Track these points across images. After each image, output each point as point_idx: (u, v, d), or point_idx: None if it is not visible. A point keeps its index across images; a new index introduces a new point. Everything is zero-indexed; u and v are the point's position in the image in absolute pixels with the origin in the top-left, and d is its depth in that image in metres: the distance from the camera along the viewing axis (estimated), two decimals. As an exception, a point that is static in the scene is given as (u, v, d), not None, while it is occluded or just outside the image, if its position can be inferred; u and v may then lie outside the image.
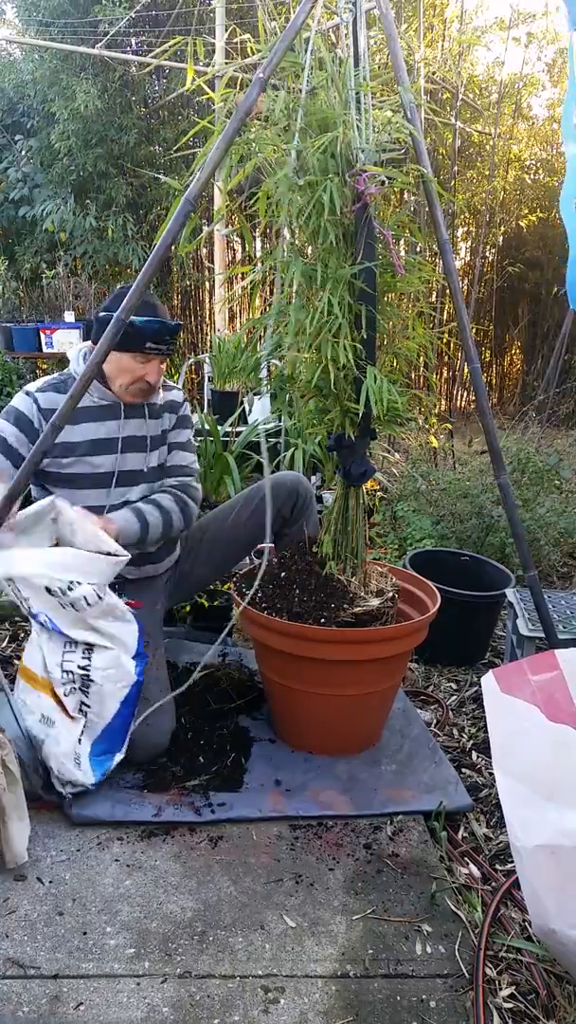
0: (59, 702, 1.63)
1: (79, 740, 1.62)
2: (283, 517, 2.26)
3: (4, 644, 2.47)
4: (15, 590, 1.60)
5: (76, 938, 1.29)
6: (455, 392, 5.84)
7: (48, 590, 1.56)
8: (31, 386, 1.94)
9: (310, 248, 1.79)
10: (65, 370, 1.99)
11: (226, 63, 1.65)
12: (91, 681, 1.63)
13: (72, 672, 1.62)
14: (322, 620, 1.72)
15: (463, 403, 7.00)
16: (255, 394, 3.97)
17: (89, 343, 1.96)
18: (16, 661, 2.35)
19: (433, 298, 4.71)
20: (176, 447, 2.10)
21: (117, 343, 1.85)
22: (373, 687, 1.77)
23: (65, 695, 1.62)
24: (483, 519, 3.08)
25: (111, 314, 1.82)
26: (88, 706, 1.64)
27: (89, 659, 1.64)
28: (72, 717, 1.63)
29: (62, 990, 1.19)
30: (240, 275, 2.04)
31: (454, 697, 2.26)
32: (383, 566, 2.00)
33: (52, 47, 6.54)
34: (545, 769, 1.12)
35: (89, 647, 1.64)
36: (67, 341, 4.49)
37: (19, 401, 1.90)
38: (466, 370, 3.59)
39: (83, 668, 1.63)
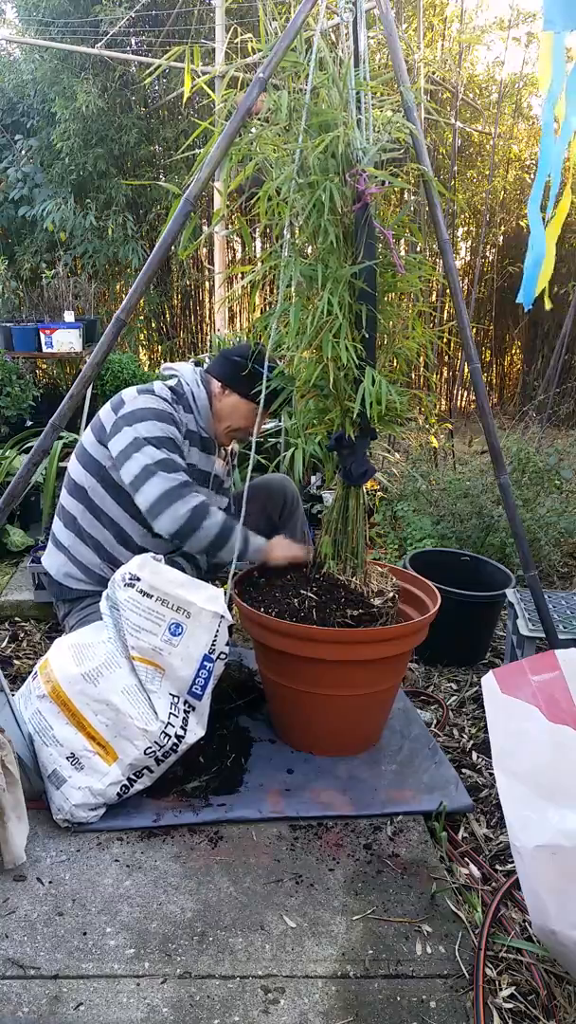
0: (99, 743, 1.54)
1: (104, 788, 1.55)
2: (272, 522, 2.26)
3: (4, 644, 2.47)
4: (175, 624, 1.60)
5: (76, 938, 1.29)
6: (455, 392, 5.84)
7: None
8: (163, 393, 1.91)
9: (310, 248, 1.79)
10: (174, 384, 1.97)
11: (226, 63, 1.65)
12: (175, 752, 1.59)
13: (170, 737, 1.56)
14: (322, 620, 1.72)
15: (463, 403, 7.00)
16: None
17: (200, 369, 2.01)
18: (16, 661, 2.35)
19: (433, 298, 4.71)
20: (224, 492, 2.20)
21: (244, 389, 1.94)
22: (373, 687, 1.77)
23: (144, 752, 1.55)
24: (483, 519, 3.07)
25: (243, 360, 1.91)
26: (151, 772, 1.59)
27: (186, 728, 1.60)
28: (109, 766, 1.55)
29: (62, 990, 1.19)
30: (240, 275, 2.04)
31: (454, 697, 2.26)
32: (383, 566, 2.00)
33: (52, 47, 6.53)
34: (545, 769, 1.12)
35: (190, 709, 1.61)
36: (67, 341, 4.48)
37: (166, 406, 1.88)
38: (466, 370, 3.59)
39: (179, 737, 1.58)
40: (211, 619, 1.60)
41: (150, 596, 1.58)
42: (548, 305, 1.84)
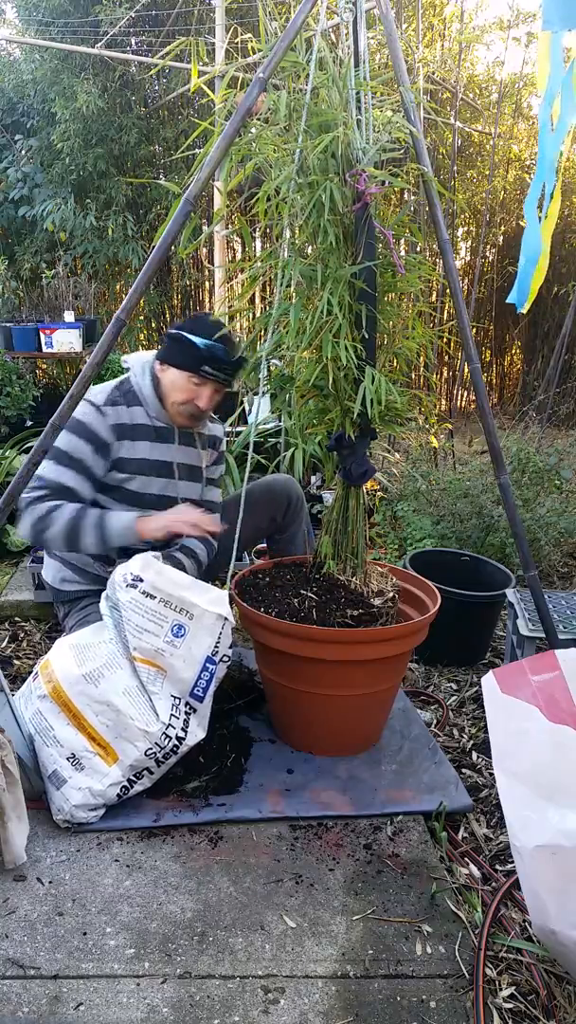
0: (100, 744, 1.54)
1: (104, 788, 1.55)
2: (275, 523, 2.26)
3: (4, 644, 2.47)
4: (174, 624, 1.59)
5: (76, 938, 1.29)
6: (455, 392, 5.84)
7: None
8: (96, 398, 1.91)
9: (310, 248, 1.79)
10: (125, 376, 1.98)
11: (227, 63, 1.65)
12: (175, 754, 1.59)
13: (171, 738, 1.56)
14: (322, 620, 1.72)
15: (463, 403, 7.00)
16: (255, 394, 3.97)
17: (152, 355, 1.98)
18: (16, 661, 2.35)
19: (433, 298, 4.71)
20: (212, 483, 2.15)
21: (175, 360, 1.91)
22: (373, 687, 1.76)
23: (145, 754, 1.55)
24: (483, 519, 3.07)
25: (181, 333, 1.87)
26: (151, 773, 1.59)
27: (187, 730, 1.59)
28: (110, 767, 1.54)
29: (62, 990, 1.19)
30: (239, 273, 2.04)
31: (454, 697, 2.26)
32: (383, 566, 2.00)
33: (52, 47, 6.53)
34: (545, 770, 1.12)
35: (191, 711, 1.60)
36: (67, 341, 4.49)
37: (87, 413, 1.88)
38: (466, 370, 3.59)
39: (180, 739, 1.57)
40: (214, 621, 1.60)
41: (153, 597, 1.57)
42: (525, 308, 1.88)
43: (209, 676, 1.60)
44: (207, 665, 1.59)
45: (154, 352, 2.01)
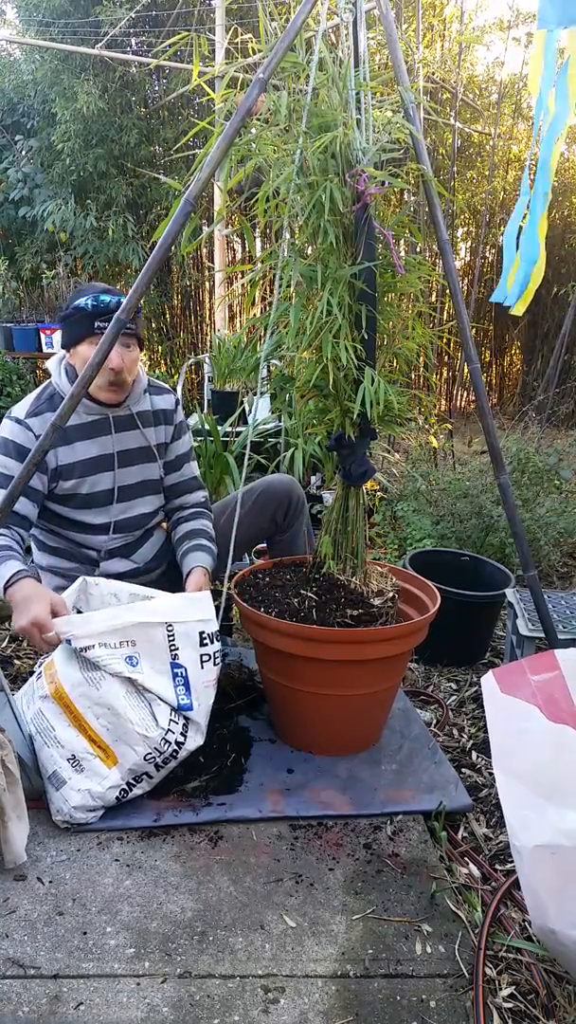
0: (100, 747, 1.54)
1: (104, 791, 1.55)
2: (275, 523, 2.26)
3: (4, 644, 2.47)
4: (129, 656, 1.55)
5: (76, 938, 1.29)
6: (455, 392, 5.84)
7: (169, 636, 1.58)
8: (18, 412, 1.85)
9: (310, 248, 1.79)
10: (47, 383, 1.93)
11: (226, 63, 1.65)
12: (174, 759, 1.58)
13: (170, 743, 1.56)
14: (322, 620, 1.72)
15: (463, 403, 7.00)
16: (255, 394, 3.97)
17: (63, 351, 1.91)
18: (16, 661, 2.35)
19: (433, 298, 4.72)
20: (184, 459, 2.09)
21: (73, 337, 1.83)
22: (373, 687, 1.77)
23: (144, 758, 1.54)
24: (483, 519, 3.08)
25: (67, 308, 1.79)
26: (150, 778, 1.59)
27: (186, 735, 1.59)
28: (109, 770, 1.54)
29: (62, 990, 1.19)
30: (240, 274, 2.04)
31: (454, 697, 2.26)
32: (383, 566, 2.00)
33: (52, 47, 6.55)
34: (545, 769, 1.12)
35: (187, 723, 1.59)
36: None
37: (12, 431, 1.82)
38: (466, 370, 3.59)
39: (179, 744, 1.57)
40: (156, 630, 1.56)
41: (89, 648, 1.53)
42: (520, 311, 1.88)
43: (183, 681, 1.58)
44: (175, 672, 1.58)
45: (58, 358, 1.94)
